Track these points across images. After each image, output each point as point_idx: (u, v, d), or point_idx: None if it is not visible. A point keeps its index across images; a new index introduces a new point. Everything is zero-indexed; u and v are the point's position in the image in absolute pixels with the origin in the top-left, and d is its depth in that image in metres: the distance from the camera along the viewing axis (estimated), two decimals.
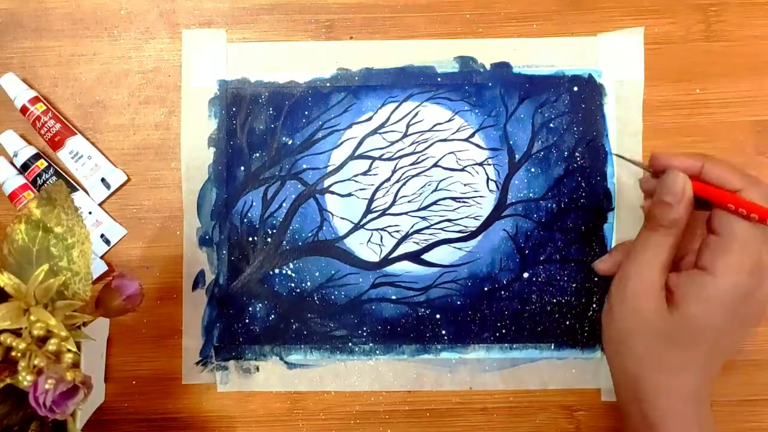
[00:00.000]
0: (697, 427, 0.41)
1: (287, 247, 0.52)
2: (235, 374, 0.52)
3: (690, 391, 0.41)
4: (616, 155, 0.49)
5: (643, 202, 0.46)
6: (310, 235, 0.52)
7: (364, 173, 0.53)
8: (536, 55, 0.53)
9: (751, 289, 0.39)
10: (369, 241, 0.52)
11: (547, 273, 0.52)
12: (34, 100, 0.51)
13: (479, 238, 0.52)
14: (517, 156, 0.52)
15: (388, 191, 0.52)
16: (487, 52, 0.53)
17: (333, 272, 0.52)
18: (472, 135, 0.53)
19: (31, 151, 0.52)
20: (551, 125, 0.52)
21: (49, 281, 0.39)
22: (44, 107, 0.51)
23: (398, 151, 0.53)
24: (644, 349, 0.42)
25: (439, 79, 0.53)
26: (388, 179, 0.52)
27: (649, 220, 0.43)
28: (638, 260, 0.43)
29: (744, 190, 0.40)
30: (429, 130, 0.53)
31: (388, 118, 0.53)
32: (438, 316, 0.52)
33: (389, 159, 0.52)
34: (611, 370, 0.45)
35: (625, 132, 0.52)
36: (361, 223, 0.52)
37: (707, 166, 0.41)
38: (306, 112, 0.53)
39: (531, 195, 0.52)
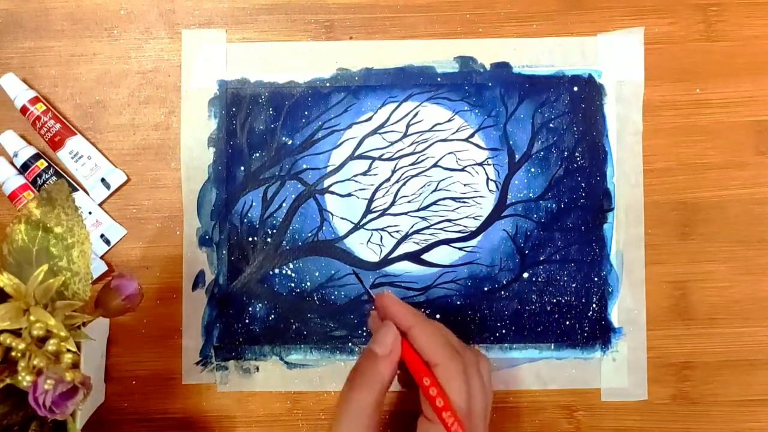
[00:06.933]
0: None
1: (287, 247, 0.52)
2: (235, 374, 0.52)
3: None
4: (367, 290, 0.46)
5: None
6: (310, 235, 0.52)
7: (364, 173, 0.52)
8: (536, 55, 0.53)
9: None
10: (369, 241, 0.52)
11: (547, 273, 0.52)
12: (34, 100, 0.51)
13: (479, 238, 0.52)
14: (517, 156, 0.52)
15: (387, 191, 0.52)
16: (487, 52, 0.53)
17: (333, 272, 0.52)
18: (472, 135, 0.53)
19: (31, 151, 0.51)
20: (551, 125, 0.52)
21: (49, 281, 0.39)
22: (44, 107, 0.51)
23: (398, 151, 0.53)
24: None
25: (439, 79, 0.53)
26: (388, 179, 0.52)
27: (356, 370, 0.40)
28: (343, 421, 0.39)
29: (425, 354, 0.39)
30: (429, 130, 0.53)
31: (388, 118, 0.53)
32: (438, 316, 0.52)
33: (389, 159, 0.52)
34: None
35: (625, 132, 0.52)
36: (361, 223, 0.52)
37: (414, 331, 0.40)
38: (306, 112, 0.53)
39: (531, 195, 0.52)
